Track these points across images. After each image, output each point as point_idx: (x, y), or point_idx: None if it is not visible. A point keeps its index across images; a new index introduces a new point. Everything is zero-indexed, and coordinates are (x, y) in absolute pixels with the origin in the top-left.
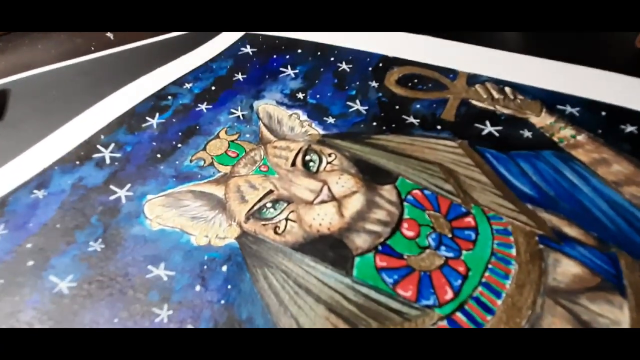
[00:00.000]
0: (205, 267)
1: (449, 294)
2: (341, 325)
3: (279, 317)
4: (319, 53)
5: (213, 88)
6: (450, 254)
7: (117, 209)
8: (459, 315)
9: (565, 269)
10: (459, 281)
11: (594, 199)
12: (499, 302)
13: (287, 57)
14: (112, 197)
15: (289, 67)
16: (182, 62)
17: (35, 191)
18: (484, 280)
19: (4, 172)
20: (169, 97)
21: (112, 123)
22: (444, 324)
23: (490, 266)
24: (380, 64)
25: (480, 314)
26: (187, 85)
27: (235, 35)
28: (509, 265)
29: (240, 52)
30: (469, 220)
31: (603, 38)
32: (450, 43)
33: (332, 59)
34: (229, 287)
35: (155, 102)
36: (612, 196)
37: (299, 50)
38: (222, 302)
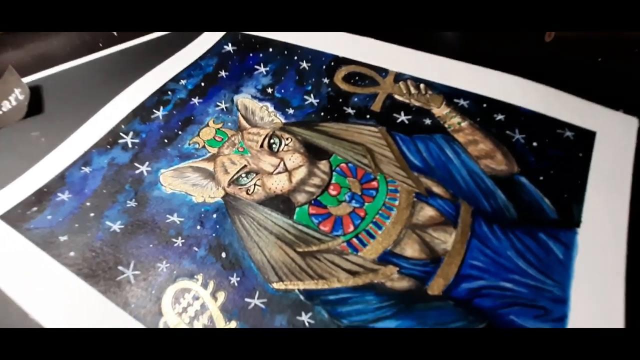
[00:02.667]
0: (202, 215)
1: (351, 228)
2: (284, 247)
3: (247, 242)
4: (285, 52)
5: (202, 84)
6: (357, 205)
7: (141, 180)
8: (354, 240)
9: (425, 213)
10: (358, 221)
11: (459, 168)
12: (380, 231)
13: (261, 55)
14: (137, 172)
15: (262, 65)
16: (176, 59)
17: (82, 168)
18: (374, 220)
19: (57, 154)
20: (169, 93)
21: (128, 115)
22: (344, 245)
23: (380, 212)
24: (332, 63)
25: (367, 238)
26: (182, 82)
27: (219, 34)
28: (391, 210)
29: (223, 50)
30: (374, 183)
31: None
32: (385, 45)
33: (295, 57)
34: (217, 227)
35: (159, 97)
36: (472, 166)
37: (270, 49)
38: (214, 235)
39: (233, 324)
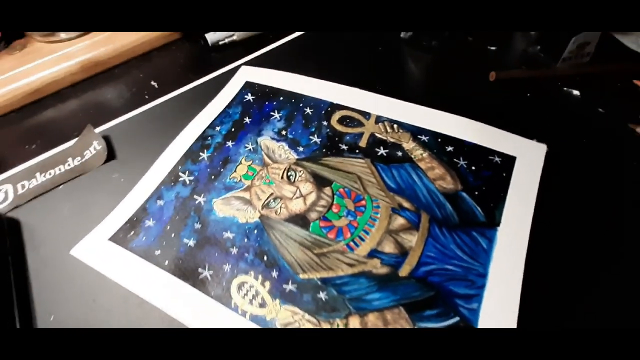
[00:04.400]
0: (247, 231)
1: (348, 235)
2: (305, 250)
3: (280, 249)
4: (293, 100)
5: (233, 129)
6: (352, 218)
7: (201, 208)
8: (351, 243)
9: (398, 222)
10: (353, 230)
11: (421, 188)
12: (368, 236)
13: (274, 103)
14: (196, 202)
15: (275, 111)
16: (209, 109)
17: (157, 201)
18: (364, 229)
19: (136, 191)
20: (209, 138)
21: (182, 158)
22: (345, 247)
23: (367, 222)
24: (329, 109)
25: (359, 242)
26: (217, 128)
27: (239, 84)
28: (375, 221)
29: (245, 100)
30: (363, 202)
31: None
32: (368, 93)
33: (300, 105)
34: (258, 239)
35: (202, 142)
36: (430, 186)
37: (281, 98)
38: (257, 245)
39: (277, 302)
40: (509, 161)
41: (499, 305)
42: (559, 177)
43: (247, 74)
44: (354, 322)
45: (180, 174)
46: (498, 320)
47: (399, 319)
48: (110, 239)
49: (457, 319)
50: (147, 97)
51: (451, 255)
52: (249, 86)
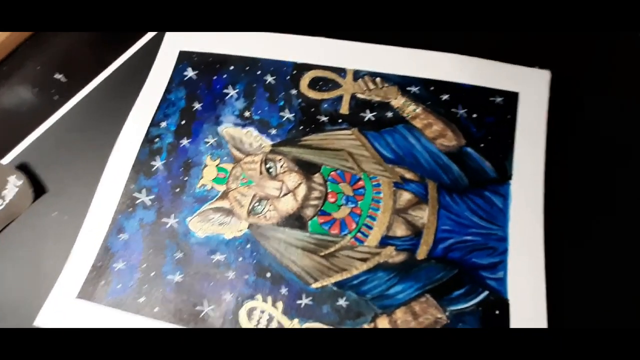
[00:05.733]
0: (239, 248)
1: (353, 225)
2: (310, 255)
3: (282, 260)
4: (247, 68)
5: (183, 122)
6: (353, 205)
7: (175, 232)
8: (359, 234)
9: (404, 197)
10: (357, 218)
11: (421, 152)
12: (375, 222)
13: (225, 76)
14: (167, 226)
15: (229, 87)
16: (144, 100)
17: (119, 235)
18: (368, 214)
19: (88, 228)
20: (157, 140)
21: (131, 174)
22: (353, 240)
23: (371, 206)
24: (294, 71)
25: (367, 230)
26: (163, 124)
27: (172, 58)
28: (379, 202)
29: (185, 78)
30: (361, 182)
31: None
32: (338, 42)
33: (258, 72)
34: (254, 254)
35: (149, 147)
36: (430, 148)
37: (231, 67)
38: (255, 262)
39: (295, 321)
40: (511, 99)
41: (525, 269)
42: (567, 106)
43: (178, 41)
44: (383, 323)
45: (135, 194)
46: (526, 286)
47: (427, 308)
48: (78, 297)
49: (486, 292)
50: (55, 97)
51: (467, 223)
52: (185, 58)
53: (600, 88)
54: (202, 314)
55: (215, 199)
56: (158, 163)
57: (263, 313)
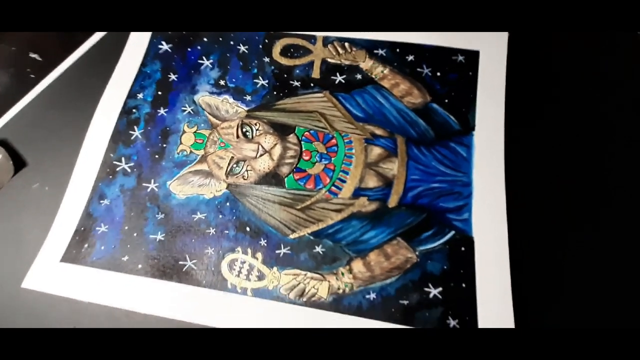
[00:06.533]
0: (219, 206)
1: (327, 180)
2: (287, 209)
3: (261, 215)
4: (220, 39)
5: (159, 93)
6: (326, 162)
7: (156, 195)
8: (333, 188)
9: (375, 152)
10: (331, 173)
11: (390, 110)
12: (348, 176)
13: (199, 47)
14: (148, 190)
15: (204, 57)
16: (120, 74)
17: (101, 201)
18: (341, 169)
19: (70, 197)
20: (134, 111)
21: (110, 144)
22: (328, 194)
23: (344, 162)
24: (266, 40)
25: (341, 184)
26: (140, 96)
27: (146, 34)
28: (351, 158)
29: (160, 51)
30: (333, 141)
31: None
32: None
33: (231, 42)
34: (234, 211)
35: (127, 117)
36: (399, 105)
37: (205, 39)
38: (234, 218)
39: (275, 269)
40: (472, 57)
41: (488, 210)
42: (524, 65)
43: None
44: (358, 266)
45: (115, 162)
46: (489, 225)
47: (399, 250)
48: (62, 260)
49: (452, 232)
50: (32, 75)
51: (434, 172)
52: (159, 32)
53: (554, 48)
54: (185, 268)
55: (194, 163)
56: (136, 132)
57: (244, 264)
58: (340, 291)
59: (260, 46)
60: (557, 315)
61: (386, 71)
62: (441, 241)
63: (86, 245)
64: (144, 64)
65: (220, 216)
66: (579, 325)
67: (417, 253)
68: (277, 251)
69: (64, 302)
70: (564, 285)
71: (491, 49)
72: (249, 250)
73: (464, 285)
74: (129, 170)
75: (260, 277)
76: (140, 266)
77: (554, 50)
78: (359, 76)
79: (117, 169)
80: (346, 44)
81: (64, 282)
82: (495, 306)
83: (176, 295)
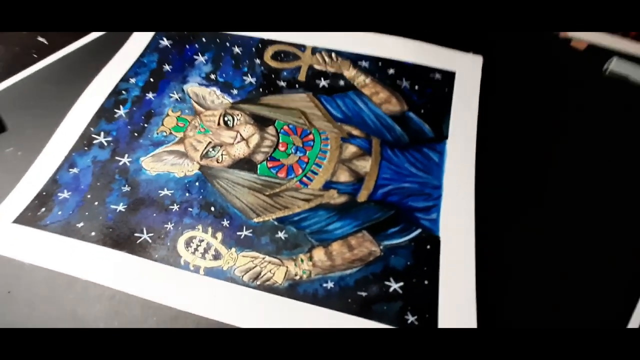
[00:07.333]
0: (187, 185)
1: (300, 171)
2: (256, 193)
3: (227, 196)
4: (218, 40)
5: (151, 80)
6: (301, 154)
7: (127, 169)
8: (304, 179)
9: (349, 150)
10: (304, 165)
11: (369, 114)
12: (320, 169)
13: (196, 46)
14: (120, 164)
15: (199, 54)
16: (119, 60)
17: (70, 169)
18: (315, 162)
19: (40, 163)
20: (124, 92)
21: (93, 118)
22: (298, 183)
23: (318, 156)
24: (259, 45)
25: (312, 176)
26: (132, 80)
27: (150, 33)
28: (326, 153)
29: (160, 45)
30: (310, 136)
31: None
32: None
33: (227, 44)
34: (202, 190)
35: (115, 97)
36: (377, 111)
37: (204, 39)
38: (201, 197)
39: (233, 250)
40: (449, 76)
41: (456, 212)
42: (496, 85)
43: None
44: (319, 254)
45: (93, 135)
46: (456, 227)
47: (363, 242)
48: (15, 221)
49: (419, 230)
50: (35, 55)
51: (406, 173)
52: (163, 32)
53: (526, 74)
54: (140, 240)
55: (171, 143)
56: (121, 111)
57: (202, 242)
58: (297, 277)
59: (254, 49)
60: (521, 317)
61: (368, 80)
62: (407, 238)
63: (43, 209)
64: (142, 55)
65: (187, 194)
66: (542, 326)
67: (381, 247)
68: (239, 233)
69: (6, 262)
70: (529, 288)
71: (467, 71)
72: (210, 229)
73: (426, 282)
74: (105, 144)
75: (217, 256)
76: (93, 234)
77: (524, 71)
78: (342, 82)
79: (94, 142)
80: (333, 54)
81: (10, 243)
82: (457, 306)
83: (124, 267)
